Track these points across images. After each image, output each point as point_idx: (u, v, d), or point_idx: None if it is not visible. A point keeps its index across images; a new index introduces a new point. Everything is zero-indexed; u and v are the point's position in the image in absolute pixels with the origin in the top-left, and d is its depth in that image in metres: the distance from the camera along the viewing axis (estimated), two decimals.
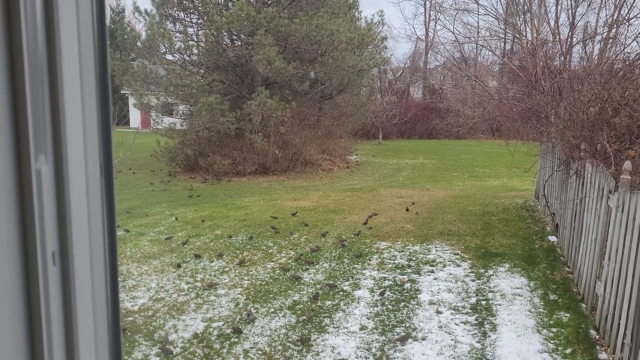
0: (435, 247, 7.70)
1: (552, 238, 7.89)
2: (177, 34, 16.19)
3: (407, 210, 9.53)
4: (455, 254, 7.33)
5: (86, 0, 0.60)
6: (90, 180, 0.61)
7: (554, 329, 5.02)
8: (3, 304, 0.52)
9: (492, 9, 34.13)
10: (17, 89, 0.52)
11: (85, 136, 0.60)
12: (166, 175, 15.91)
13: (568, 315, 5.31)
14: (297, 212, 9.78)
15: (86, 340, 0.61)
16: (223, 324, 5.20)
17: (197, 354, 4.63)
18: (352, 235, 8.24)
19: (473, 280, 6.35)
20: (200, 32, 16.70)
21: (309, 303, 5.69)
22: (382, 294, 5.91)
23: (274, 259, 7.22)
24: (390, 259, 7.16)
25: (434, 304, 5.68)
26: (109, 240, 0.66)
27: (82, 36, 0.59)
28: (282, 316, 5.38)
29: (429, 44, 37.96)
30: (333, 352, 4.65)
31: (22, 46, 0.51)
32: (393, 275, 6.53)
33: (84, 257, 0.60)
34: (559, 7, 16.10)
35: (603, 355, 4.54)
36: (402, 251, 7.50)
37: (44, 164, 0.54)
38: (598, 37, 14.45)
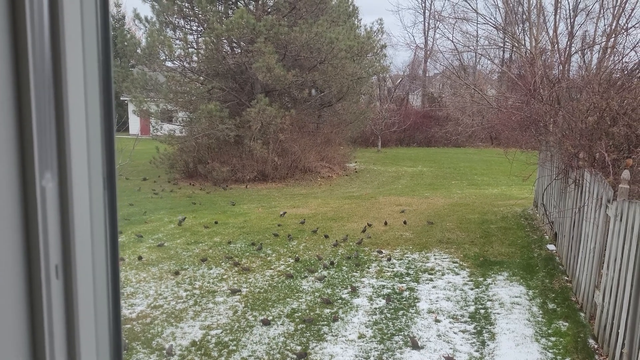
0: (434, 255, 7.69)
1: (551, 247, 7.89)
2: (177, 41, 16.25)
3: (404, 223, 9.52)
4: (454, 262, 7.32)
5: (90, 13, 0.60)
6: (94, 193, 0.62)
7: (553, 338, 5.01)
8: (7, 316, 0.53)
9: (491, 18, 34.22)
10: (23, 104, 0.53)
11: (89, 150, 0.60)
12: (165, 182, 15.90)
13: (567, 324, 5.31)
14: (304, 221, 9.77)
15: (88, 352, 0.62)
16: (221, 332, 5.19)
17: None
18: (354, 244, 8.24)
19: (472, 289, 6.35)
20: (200, 39, 16.75)
21: (307, 311, 5.68)
22: (387, 300, 5.91)
23: (272, 266, 7.21)
24: (388, 267, 7.15)
25: (433, 312, 5.67)
26: (111, 253, 0.66)
27: (87, 49, 0.60)
28: (281, 324, 5.37)
29: (428, 52, 38.11)
30: None
31: (29, 62, 0.52)
32: (392, 284, 6.53)
33: (86, 269, 0.61)
34: (558, 16, 16.17)
35: None
36: (400, 259, 7.50)
37: (50, 181, 0.55)
38: (596, 47, 14.52)
